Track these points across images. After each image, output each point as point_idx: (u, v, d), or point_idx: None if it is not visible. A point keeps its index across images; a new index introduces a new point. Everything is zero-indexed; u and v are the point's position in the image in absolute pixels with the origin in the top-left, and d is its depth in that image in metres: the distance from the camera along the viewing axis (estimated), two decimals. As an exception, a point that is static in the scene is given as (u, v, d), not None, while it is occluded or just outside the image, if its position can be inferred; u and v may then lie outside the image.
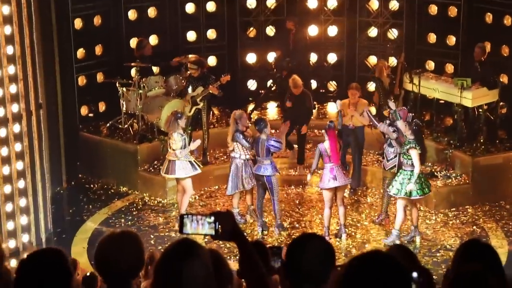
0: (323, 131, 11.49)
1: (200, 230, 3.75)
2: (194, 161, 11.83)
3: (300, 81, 12.79)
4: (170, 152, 11.66)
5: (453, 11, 14.18)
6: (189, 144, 11.70)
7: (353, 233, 11.79)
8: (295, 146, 13.31)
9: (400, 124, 11.14)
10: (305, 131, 13.09)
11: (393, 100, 12.86)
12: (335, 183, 11.23)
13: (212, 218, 3.74)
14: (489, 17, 13.69)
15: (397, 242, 11.06)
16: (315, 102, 14.86)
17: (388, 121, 11.57)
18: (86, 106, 14.18)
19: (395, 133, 11.38)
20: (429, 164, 12.98)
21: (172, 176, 11.80)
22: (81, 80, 14.01)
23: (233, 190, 11.84)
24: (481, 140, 13.03)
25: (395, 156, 11.50)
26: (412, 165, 10.95)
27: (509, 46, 13.47)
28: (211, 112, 13.92)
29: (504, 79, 13.51)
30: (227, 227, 3.74)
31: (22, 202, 11.23)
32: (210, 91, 12.81)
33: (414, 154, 10.89)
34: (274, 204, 11.58)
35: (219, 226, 3.74)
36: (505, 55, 13.57)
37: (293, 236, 11.24)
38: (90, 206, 12.78)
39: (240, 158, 11.71)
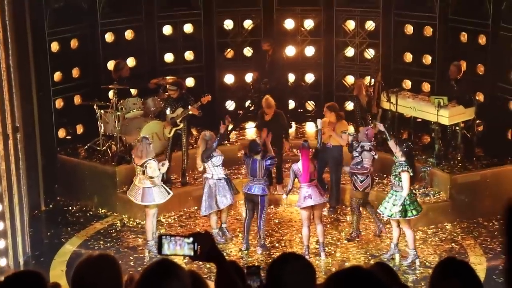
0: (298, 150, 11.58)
1: (179, 251, 3.75)
2: (163, 185, 11.76)
3: (273, 102, 12.83)
4: (141, 179, 11.53)
5: (428, 31, 14.33)
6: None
7: (333, 252, 11.80)
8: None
9: (391, 144, 11.29)
10: (287, 147, 13.09)
11: (370, 120, 13.01)
12: (310, 201, 11.28)
13: (191, 239, 3.75)
14: (464, 36, 13.84)
15: (417, 261, 11.25)
16: (293, 122, 14.98)
17: (357, 154, 11.67)
18: (63, 129, 14.14)
19: (372, 151, 11.54)
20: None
21: (151, 203, 11.65)
22: (59, 103, 13.97)
23: (207, 210, 11.86)
24: (459, 158, 13.13)
25: (367, 176, 11.62)
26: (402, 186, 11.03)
27: (484, 65, 13.62)
28: (191, 133, 13.94)
29: (480, 97, 13.64)
30: (206, 247, 3.75)
31: (0, 226, 11.14)
32: (191, 112, 12.83)
33: (405, 177, 10.95)
34: (260, 223, 11.63)
35: (198, 247, 3.74)
36: (481, 73, 13.71)
37: (273, 256, 11.25)
38: (69, 229, 12.71)
39: (212, 178, 11.76)
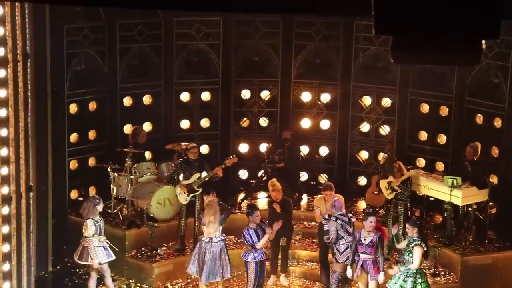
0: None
1: None
2: (108, 247, 11.82)
3: (279, 186, 12.79)
4: (84, 238, 11.69)
5: (444, 111, 14.38)
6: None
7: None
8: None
9: (400, 245, 11.35)
10: (283, 243, 12.73)
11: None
12: None
13: None
14: (479, 118, 13.87)
15: None
16: (305, 194, 14.97)
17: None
18: (76, 190, 14.17)
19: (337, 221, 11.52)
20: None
21: (85, 263, 11.80)
22: (73, 164, 14.03)
23: (211, 278, 11.91)
24: (470, 239, 13.02)
25: (347, 248, 11.50)
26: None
27: (498, 147, 13.61)
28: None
29: (493, 179, 13.59)
30: None
31: (6, 285, 11.10)
32: (217, 173, 12.93)
33: (418, 251, 10.92)
34: None
35: None
36: (495, 156, 13.69)
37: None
38: (75, 291, 12.65)
39: (221, 240, 11.86)
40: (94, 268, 11.79)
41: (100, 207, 11.74)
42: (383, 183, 13.08)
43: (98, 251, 11.61)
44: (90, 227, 11.54)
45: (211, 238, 11.73)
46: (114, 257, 11.88)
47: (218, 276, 11.77)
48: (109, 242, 11.82)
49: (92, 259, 11.61)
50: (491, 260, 12.76)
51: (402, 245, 11.33)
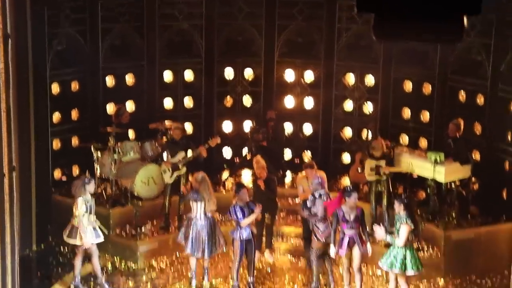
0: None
1: None
2: (98, 227, 11.81)
3: (264, 163, 12.83)
4: (74, 217, 11.71)
5: (427, 89, 14.43)
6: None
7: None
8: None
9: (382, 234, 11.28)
10: (268, 221, 12.91)
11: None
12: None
13: None
14: (462, 96, 13.94)
15: None
16: (288, 171, 15.02)
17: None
18: (59, 170, 14.15)
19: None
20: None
21: (73, 242, 11.79)
22: (56, 144, 14.01)
23: (212, 252, 12.02)
24: (453, 215, 13.12)
25: (328, 226, 11.63)
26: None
27: (481, 124, 13.69)
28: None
29: (476, 155, 13.68)
30: None
31: (-10, 265, 11.09)
32: (200, 152, 12.96)
33: (404, 229, 10.95)
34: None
35: None
36: (478, 133, 13.78)
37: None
38: (60, 269, 12.64)
39: (211, 217, 11.92)
40: (82, 248, 11.77)
41: (90, 187, 11.66)
42: (369, 163, 13.11)
43: (87, 231, 11.61)
44: (81, 206, 11.55)
45: (205, 214, 11.80)
46: (102, 239, 11.86)
47: (217, 248, 11.96)
48: (98, 223, 11.80)
49: (82, 238, 11.62)
50: (473, 235, 12.87)
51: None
